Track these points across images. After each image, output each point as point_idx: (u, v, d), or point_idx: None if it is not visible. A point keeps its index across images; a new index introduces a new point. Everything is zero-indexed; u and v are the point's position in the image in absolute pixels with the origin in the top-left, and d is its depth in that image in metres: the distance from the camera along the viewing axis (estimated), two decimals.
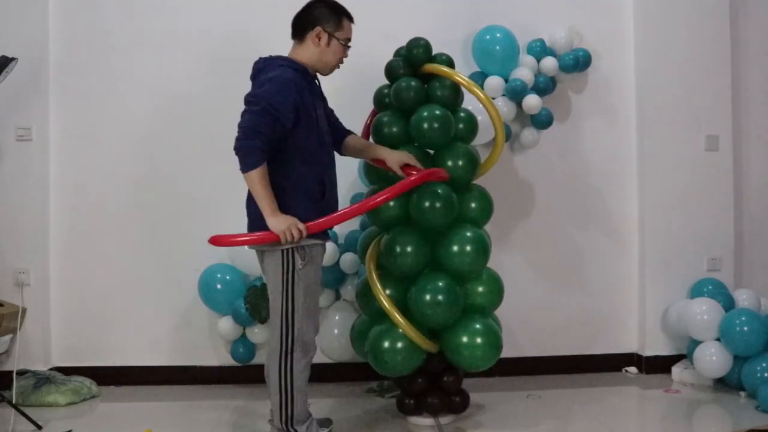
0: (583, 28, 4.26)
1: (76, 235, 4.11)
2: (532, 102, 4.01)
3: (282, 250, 2.82)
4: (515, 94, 4.00)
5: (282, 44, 4.15)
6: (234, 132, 4.18)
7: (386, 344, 3.22)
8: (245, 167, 2.74)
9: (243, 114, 2.77)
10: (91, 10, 4.13)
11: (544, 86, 4.10)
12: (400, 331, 3.21)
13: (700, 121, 4.30)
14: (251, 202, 2.87)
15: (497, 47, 4.06)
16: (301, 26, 3.03)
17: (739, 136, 4.41)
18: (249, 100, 2.79)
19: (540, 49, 4.13)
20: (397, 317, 3.19)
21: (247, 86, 4.06)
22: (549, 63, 4.09)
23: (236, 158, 4.08)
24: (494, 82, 4.02)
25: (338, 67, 3.11)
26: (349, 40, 3.07)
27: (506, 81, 4.06)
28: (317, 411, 3.73)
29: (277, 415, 2.91)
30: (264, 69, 2.94)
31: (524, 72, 4.05)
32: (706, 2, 4.31)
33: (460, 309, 3.26)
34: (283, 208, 2.78)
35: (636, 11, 4.33)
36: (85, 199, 4.12)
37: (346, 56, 3.09)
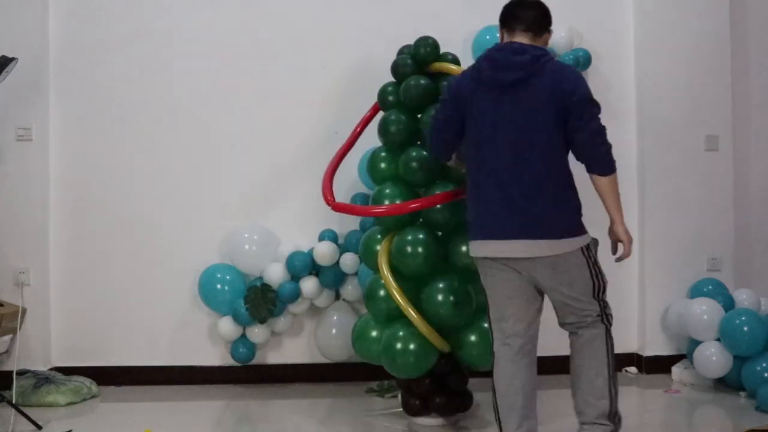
0: (583, 28, 4.26)
1: (76, 235, 4.11)
2: None
3: (582, 248, 2.74)
4: None
5: (279, 44, 4.17)
6: (233, 131, 4.23)
7: (398, 346, 3.22)
8: (611, 170, 2.70)
9: (591, 119, 2.66)
10: (91, 10, 4.12)
11: None
12: (413, 332, 3.20)
13: (700, 121, 4.30)
14: (560, 203, 2.69)
15: None
16: (544, 22, 2.92)
17: (739, 136, 4.41)
18: (594, 104, 2.69)
19: None
20: (413, 314, 3.19)
21: (244, 86, 4.12)
22: None
23: (238, 158, 4.12)
24: None
25: None
26: None
27: None
28: (317, 411, 3.73)
29: (605, 407, 2.72)
30: (552, 60, 2.77)
31: None
32: (706, 2, 4.31)
33: (473, 308, 3.26)
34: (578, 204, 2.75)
35: (636, 11, 4.34)
36: (85, 199, 4.11)
37: None
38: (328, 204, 3.39)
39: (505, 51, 2.75)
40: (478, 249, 2.79)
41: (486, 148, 2.71)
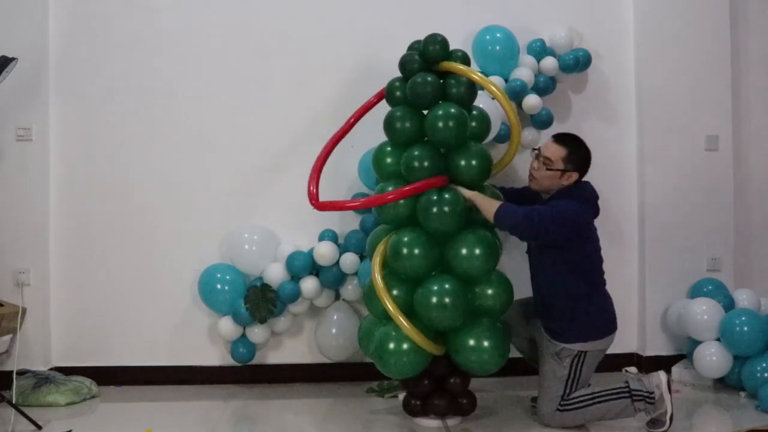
0: (583, 28, 4.26)
1: (76, 235, 4.11)
2: (532, 102, 4.02)
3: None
4: (515, 94, 4.00)
5: (279, 45, 4.17)
6: (233, 131, 4.21)
7: (391, 346, 3.18)
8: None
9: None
10: (91, 10, 4.12)
11: (544, 86, 4.10)
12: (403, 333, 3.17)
13: (700, 121, 4.30)
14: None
15: (497, 47, 4.06)
16: None
17: (739, 136, 4.42)
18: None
19: (540, 49, 4.13)
20: (402, 321, 3.15)
21: (244, 85, 4.14)
22: (549, 63, 4.09)
23: (238, 158, 4.29)
24: (494, 82, 4.01)
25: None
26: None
27: (506, 81, 4.06)
28: (317, 411, 3.73)
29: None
30: None
31: (524, 72, 4.05)
32: (706, 2, 4.31)
33: (467, 312, 3.21)
34: None
35: (636, 11, 4.34)
36: (85, 199, 4.12)
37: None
38: (312, 202, 3.36)
39: (590, 187, 3.44)
40: (606, 343, 3.39)
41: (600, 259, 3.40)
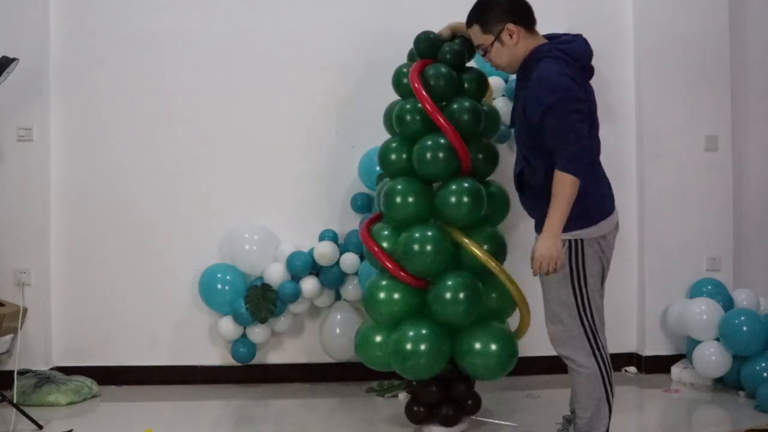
0: (583, 28, 4.24)
1: (76, 235, 4.12)
2: None
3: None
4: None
5: (279, 44, 4.18)
6: (233, 131, 4.20)
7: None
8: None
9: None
10: (91, 11, 4.13)
11: None
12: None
13: (700, 121, 4.31)
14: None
15: None
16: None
17: (739, 136, 4.41)
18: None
19: None
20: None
21: (244, 86, 4.13)
22: None
23: (238, 158, 4.15)
24: (494, 82, 4.01)
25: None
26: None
27: (506, 81, 4.06)
28: (318, 411, 3.74)
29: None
30: None
31: None
32: (706, 3, 4.31)
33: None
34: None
35: (636, 11, 4.34)
36: (85, 198, 4.12)
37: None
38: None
39: (581, 42, 2.96)
40: (612, 220, 2.79)
41: (597, 132, 2.87)
